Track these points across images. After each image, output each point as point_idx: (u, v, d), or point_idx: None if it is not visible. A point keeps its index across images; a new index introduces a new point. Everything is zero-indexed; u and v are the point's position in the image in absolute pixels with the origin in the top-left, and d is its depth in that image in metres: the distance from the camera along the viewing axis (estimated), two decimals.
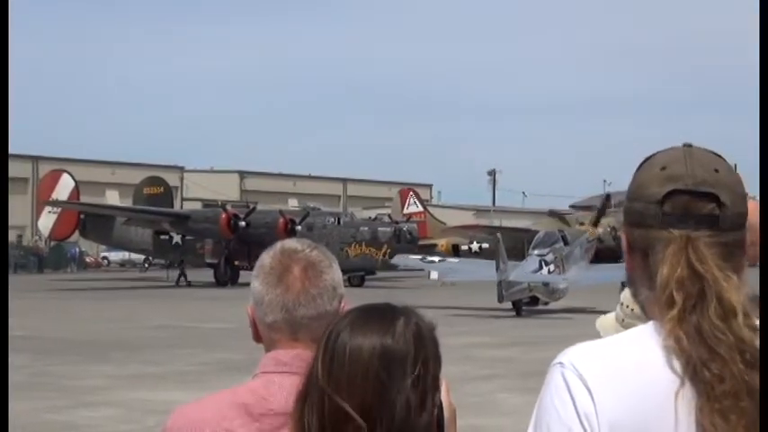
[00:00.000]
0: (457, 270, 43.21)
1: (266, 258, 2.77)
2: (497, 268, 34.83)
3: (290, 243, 2.82)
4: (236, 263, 58.56)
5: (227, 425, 2.60)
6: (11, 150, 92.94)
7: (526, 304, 35.99)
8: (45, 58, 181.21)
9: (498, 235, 38.68)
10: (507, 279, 34.61)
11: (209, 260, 60.17)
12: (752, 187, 2.98)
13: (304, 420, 2.28)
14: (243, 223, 57.28)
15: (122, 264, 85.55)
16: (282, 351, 2.70)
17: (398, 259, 50.03)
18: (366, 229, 60.97)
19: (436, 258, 48.66)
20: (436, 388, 2.32)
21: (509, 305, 35.26)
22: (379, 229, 60.98)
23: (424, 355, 2.30)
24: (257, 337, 2.78)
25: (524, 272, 36.01)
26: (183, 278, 59.28)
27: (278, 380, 2.64)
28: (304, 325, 2.70)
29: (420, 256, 49.01)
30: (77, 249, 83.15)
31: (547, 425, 2.06)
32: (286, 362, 2.67)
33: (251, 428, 2.60)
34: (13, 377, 18.44)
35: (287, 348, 2.70)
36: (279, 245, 2.82)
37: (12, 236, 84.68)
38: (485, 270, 37.40)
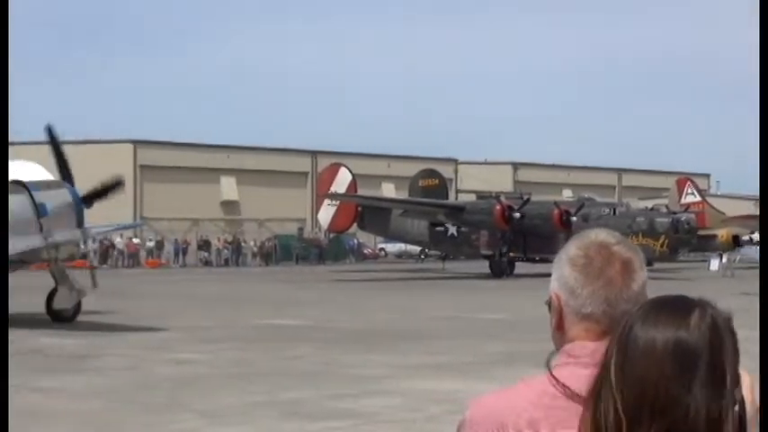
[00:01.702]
0: None
1: (581, 249, 2.74)
2: None
3: (604, 235, 2.78)
4: (512, 254, 58.63)
5: (527, 416, 2.62)
6: (292, 145, 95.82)
7: None
8: (328, 55, 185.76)
9: None
10: None
11: (484, 251, 60.41)
12: None
13: (598, 414, 2.25)
14: (517, 215, 57.17)
15: (399, 255, 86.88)
16: (580, 343, 2.67)
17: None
18: (642, 219, 59.96)
19: None
20: (736, 383, 2.22)
21: None
22: (656, 219, 59.87)
23: (720, 348, 2.22)
24: (560, 325, 2.75)
25: None
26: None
27: (574, 371, 2.64)
28: (619, 321, 2.69)
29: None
30: (356, 241, 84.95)
31: None
32: (584, 354, 2.65)
33: (550, 420, 2.62)
34: (300, 365, 19.11)
35: (593, 340, 2.69)
36: (592, 235, 2.78)
37: (293, 228, 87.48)
38: None
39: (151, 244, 75.51)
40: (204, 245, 77.67)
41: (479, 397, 2.70)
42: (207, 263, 75.87)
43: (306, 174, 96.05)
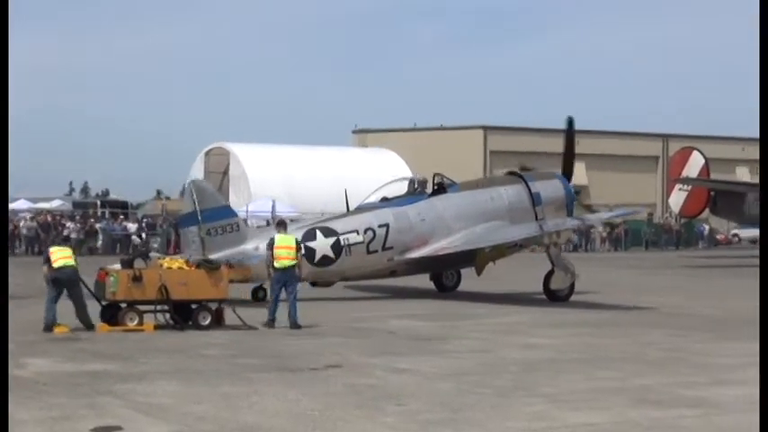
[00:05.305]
0: None
1: None
2: None
3: None
4: None
5: None
6: (642, 129, 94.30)
7: None
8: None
9: None
10: None
11: None
12: None
13: None
14: None
15: (753, 241, 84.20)
16: None
17: None
18: None
19: None
20: None
21: None
22: None
23: None
24: None
25: None
26: None
27: None
28: None
29: None
30: (706, 227, 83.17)
31: None
32: None
33: None
34: (651, 352, 18.90)
35: None
36: None
37: (643, 213, 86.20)
38: None
39: None
40: None
41: None
42: None
43: (656, 158, 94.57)
